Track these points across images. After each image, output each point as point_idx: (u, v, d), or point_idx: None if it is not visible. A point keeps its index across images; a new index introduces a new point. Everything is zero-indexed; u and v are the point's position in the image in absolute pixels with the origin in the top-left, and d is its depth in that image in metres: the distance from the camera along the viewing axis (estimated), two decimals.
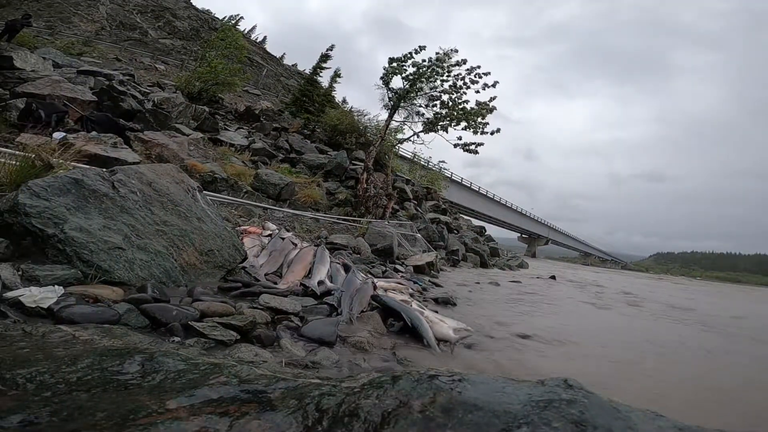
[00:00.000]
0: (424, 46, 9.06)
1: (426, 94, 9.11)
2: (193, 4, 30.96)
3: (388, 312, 2.46)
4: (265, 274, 2.78)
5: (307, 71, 19.61)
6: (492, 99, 8.81)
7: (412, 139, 9.92)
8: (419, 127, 9.42)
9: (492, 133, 8.90)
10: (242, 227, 3.58)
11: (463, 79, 8.86)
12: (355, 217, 7.88)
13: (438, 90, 9.01)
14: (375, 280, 3.18)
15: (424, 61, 8.93)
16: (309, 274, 2.88)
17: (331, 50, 16.63)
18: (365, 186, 8.64)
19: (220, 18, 30.14)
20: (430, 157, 16.96)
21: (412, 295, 3.18)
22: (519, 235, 53.23)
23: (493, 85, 8.81)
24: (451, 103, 8.91)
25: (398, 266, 5.32)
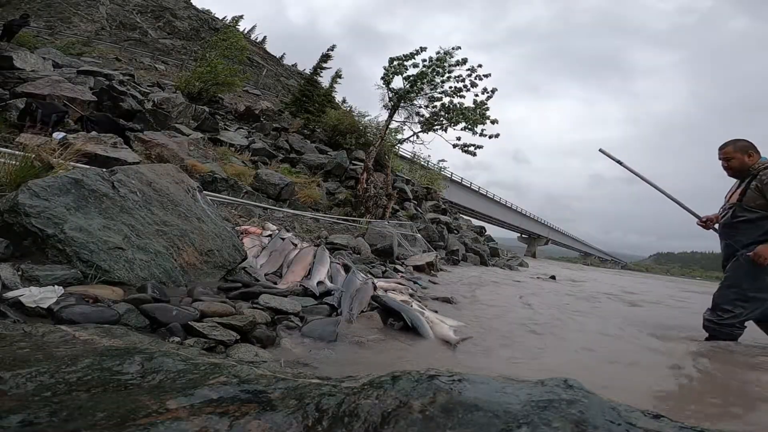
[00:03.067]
0: (425, 47, 9.07)
1: (426, 94, 9.12)
2: (193, 4, 30.96)
3: (388, 312, 2.46)
4: (265, 275, 2.78)
5: (307, 71, 19.62)
6: (489, 98, 8.83)
7: (411, 139, 9.93)
8: (419, 127, 9.44)
9: (491, 137, 8.93)
10: (243, 227, 3.58)
11: (463, 80, 8.88)
12: (355, 217, 7.88)
13: (438, 91, 9.02)
14: (375, 280, 3.18)
15: (424, 61, 8.93)
16: (309, 274, 2.88)
17: (332, 50, 16.64)
18: (365, 186, 8.64)
19: (220, 18, 30.15)
20: (429, 156, 17.01)
21: (412, 296, 3.18)
22: (519, 235, 53.26)
23: (492, 92, 8.85)
24: (450, 106, 8.93)
25: (398, 266, 5.32)
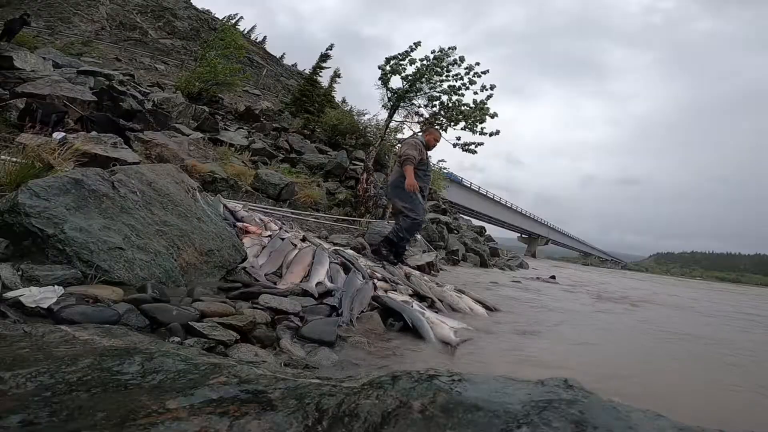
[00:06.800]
0: (419, 42, 9.03)
1: (426, 93, 9.09)
2: (193, 4, 30.97)
3: (388, 312, 2.46)
4: (265, 275, 2.78)
5: (307, 71, 19.63)
6: (489, 97, 8.75)
7: None
8: (418, 127, 9.40)
9: (491, 135, 8.88)
10: (243, 224, 3.57)
11: (461, 78, 8.84)
12: (355, 217, 7.88)
13: (437, 90, 8.98)
14: (375, 280, 3.18)
15: (422, 60, 8.90)
16: (309, 274, 2.88)
17: (331, 50, 16.62)
18: (365, 186, 8.64)
19: (220, 18, 30.14)
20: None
21: (412, 296, 3.18)
22: (519, 235, 53.27)
23: (491, 88, 8.78)
24: (450, 105, 8.89)
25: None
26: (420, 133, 4.70)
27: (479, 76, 8.78)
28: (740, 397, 1.86)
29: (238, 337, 1.60)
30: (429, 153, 4.67)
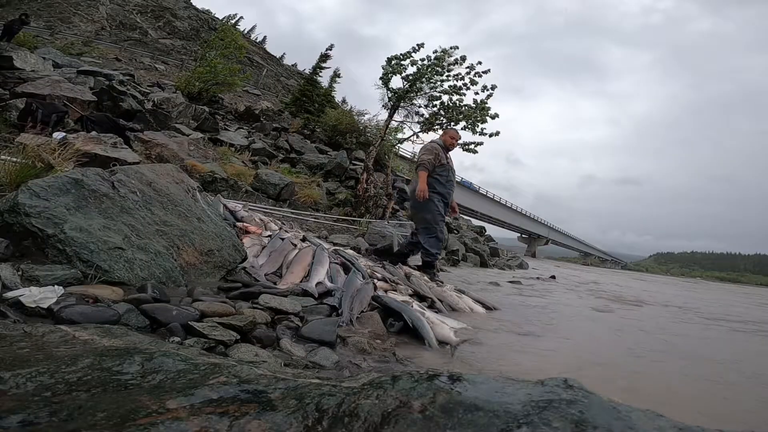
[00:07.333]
0: (422, 44, 9.02)
1: (426, 93, 9.07)
2: (193, 4, 30.98)
3: (388, 312, 2.46)
4: (265, 275, 2.78)
5: (307, 71, 19.64)
6: (489, 96, 8.72)
7: (411, 139, 9.89)
8: (418, 127, 9.39)
9: (491, 135, 8.86)
10: (243, 224, 3.57)
11: (462, 78, 8.82)
12: (354, 217, 7.88)
13: (438, 90, 8.96)
14: (375, 280, 3.18)
15: (423, 60, 8.88)
16: (308, 275, 2.88)
17: (331, 50, 16.63)
18: (365, 186, 8.64)
19: (220, 18, 30.15)
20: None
21: (412, 296, 3.18)
22: (519, 235, 53.29)
23: (492, 89, 8.75)
24: (451, 105, 8.87)
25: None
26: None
27: (480, 76, 8.76)
28: (740, 397, 1.86)
29: (238, 337, 1.60)
30: (449, 154, 4.60)
